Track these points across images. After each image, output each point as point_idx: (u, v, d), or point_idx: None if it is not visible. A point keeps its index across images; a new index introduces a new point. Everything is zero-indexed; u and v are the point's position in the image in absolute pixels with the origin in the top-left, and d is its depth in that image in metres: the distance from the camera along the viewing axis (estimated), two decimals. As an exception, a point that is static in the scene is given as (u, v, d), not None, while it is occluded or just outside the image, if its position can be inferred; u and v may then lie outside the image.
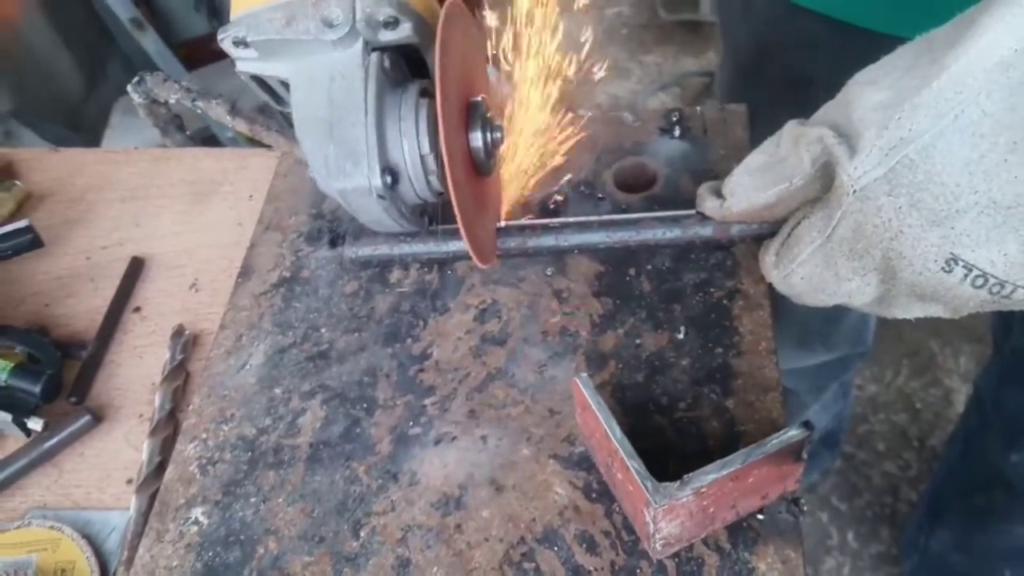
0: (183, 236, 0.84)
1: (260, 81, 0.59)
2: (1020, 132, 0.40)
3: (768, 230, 0.55)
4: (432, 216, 0.63)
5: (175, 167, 0.90)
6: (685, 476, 0.48)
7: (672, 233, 0.59)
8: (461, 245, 0.60)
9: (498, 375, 0.65)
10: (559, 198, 0.73)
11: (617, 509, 0.56)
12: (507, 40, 0.60)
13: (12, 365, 0.69)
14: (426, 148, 0.55)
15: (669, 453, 0.58)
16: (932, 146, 0.42)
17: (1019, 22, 0.39)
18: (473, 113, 0.56)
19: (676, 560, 0.54)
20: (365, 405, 0.64)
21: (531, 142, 0.65)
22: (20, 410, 0.68)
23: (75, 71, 1.93)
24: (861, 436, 1.76)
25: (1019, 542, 1.19)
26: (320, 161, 0.54)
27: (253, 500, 0.60)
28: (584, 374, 0.54)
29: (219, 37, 0.55)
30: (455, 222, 0.53)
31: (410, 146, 0.54)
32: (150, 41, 2.02)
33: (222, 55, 0.56)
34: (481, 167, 0.58)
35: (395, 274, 0.72)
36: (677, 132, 0.77)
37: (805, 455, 0.52)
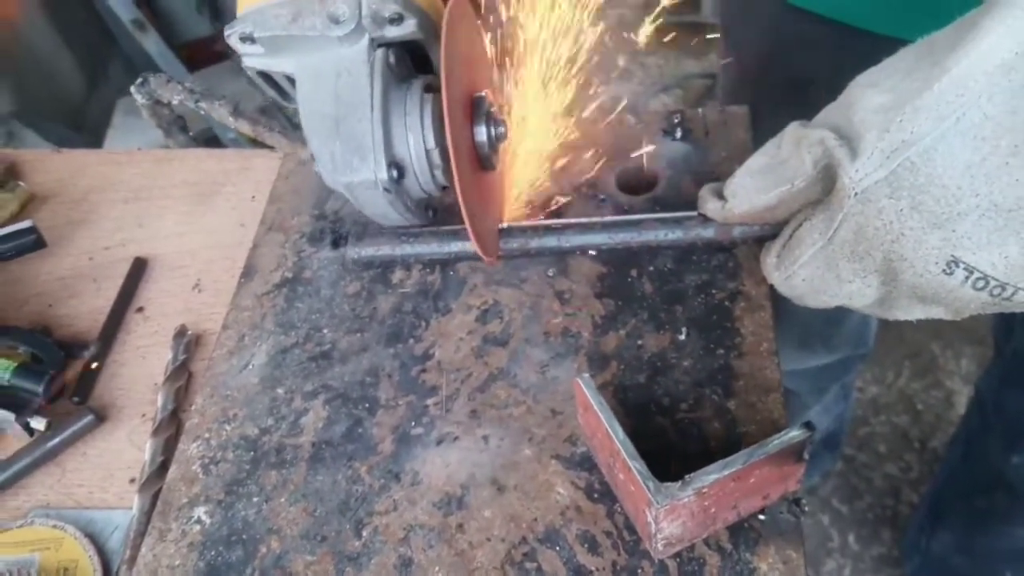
0: (186, 237, 0.84)
1: (266, 77, 0.59)
2: (1021, 135, 0.40)
3: (770, 232, 0.55)
4: (436, 210, 0.63)
5: (178, 168, 0.90)
6: (687, 476, 0.49)
7: (674, 235, 0.59)
8: (463, 246, 0.60)
9: (500, 375, 0.65)
10: (561, 199, 0.73)
11: (619, 509, 0.56)
12: (510, 39, 0.60)
13: (15, 365, 0.70)
14: (431, 142, 0.55)
15: (671, 454, 0.58)
16: (933, 149, 0.42)
17: (1020, 25, 0.39)
18: (477, 108, 0.57)
19: (677, 560, 0.54)
20: (367, 405, 0.65)
21: (534, 142, 0.65)
22: (23, 410, 0.68)
23: (76, 72, 1.94)
24: (862, 438, 1.76)
25: (1020, 544, 1.19)
26: (327, 156, 0.54)
27: (255, 499, 0.61)
28: (586, 375, 0.54)
29: (226, 33, 0.55)
30: (459, 222, 0.53)
31: (415, 140, 0.55)
32: (152, 42, 2.03)
33: (224, 57, 0.57)
34: (485, 162, 0.58)
35: (397, 275, 0.73)
36: (679, 134, 0.77)
37: (806, 455, 0.52)
